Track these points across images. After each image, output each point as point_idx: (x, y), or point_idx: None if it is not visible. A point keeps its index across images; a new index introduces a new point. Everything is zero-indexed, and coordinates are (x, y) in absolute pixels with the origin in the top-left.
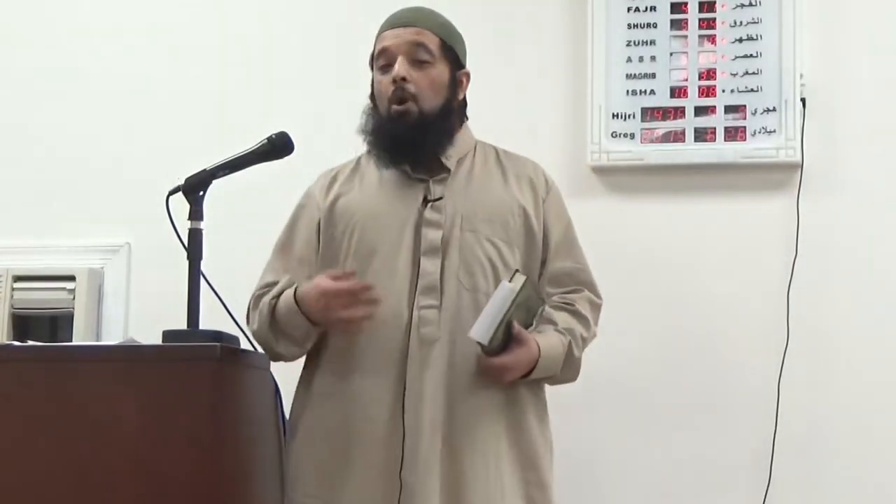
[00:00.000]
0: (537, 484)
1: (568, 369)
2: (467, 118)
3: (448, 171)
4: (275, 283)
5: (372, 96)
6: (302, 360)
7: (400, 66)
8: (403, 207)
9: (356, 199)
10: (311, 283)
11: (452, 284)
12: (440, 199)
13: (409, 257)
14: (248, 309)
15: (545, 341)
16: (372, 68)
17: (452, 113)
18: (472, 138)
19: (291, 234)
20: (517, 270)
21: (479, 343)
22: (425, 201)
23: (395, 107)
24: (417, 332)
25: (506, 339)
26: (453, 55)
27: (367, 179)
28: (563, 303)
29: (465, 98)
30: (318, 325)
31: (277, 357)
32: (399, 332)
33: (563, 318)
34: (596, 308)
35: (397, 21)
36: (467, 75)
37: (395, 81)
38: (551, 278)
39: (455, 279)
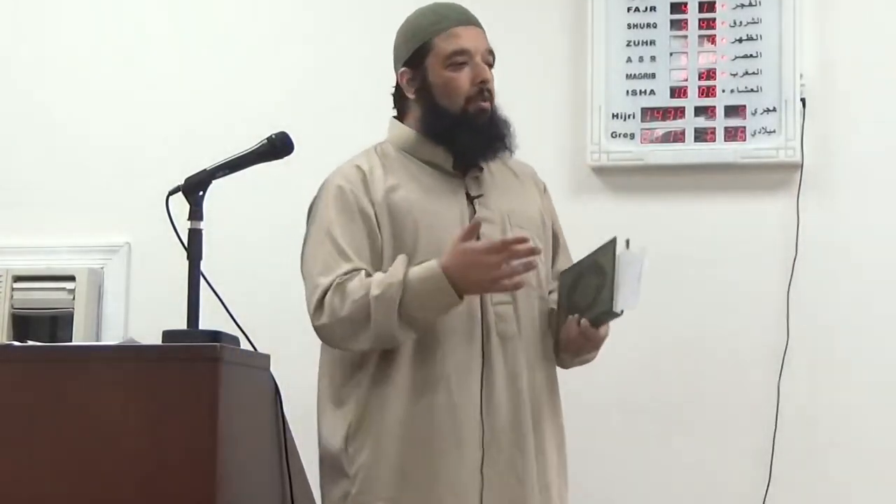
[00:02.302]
0: (566, 482)
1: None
2: None
3: (481, 168)
4: (356, 270)
5: (424, 90)
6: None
7: (486, 69)
8: (453, 203)
9: (407, 195)
10: (455, 251)
11: None
12: (481, 195)
13: None
14: (324, 297)
15: None
16: (420, 60)
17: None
18: None
19: (347, 220)
20: (615, 237)
21: (606, 313)
22: (468, 197)
23: (480, 103)
24: (495, 328)
25: None
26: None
27: (401, 175)
28: None
29: None
30: (461, 300)
31: (378, 343)
32: (475, 330)
33: None
34: None
35: (464, 19)
36: None
37: (483, 82)
38: (557, 273)
39: None
